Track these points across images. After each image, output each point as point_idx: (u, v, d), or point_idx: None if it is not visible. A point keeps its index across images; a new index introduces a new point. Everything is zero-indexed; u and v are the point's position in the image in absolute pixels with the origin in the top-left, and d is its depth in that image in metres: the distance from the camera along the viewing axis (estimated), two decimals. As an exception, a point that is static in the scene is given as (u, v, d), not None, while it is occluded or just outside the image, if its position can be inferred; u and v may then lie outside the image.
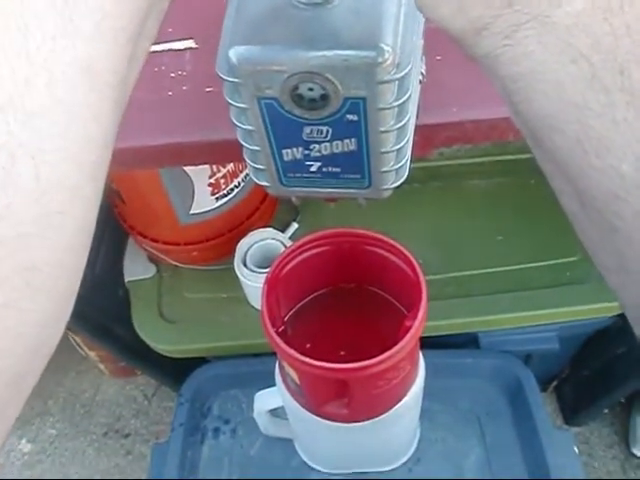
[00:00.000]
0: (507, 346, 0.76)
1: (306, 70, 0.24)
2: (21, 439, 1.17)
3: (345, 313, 0.51)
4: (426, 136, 0.39)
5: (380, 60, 0.23)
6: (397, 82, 0.24)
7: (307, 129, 0.27)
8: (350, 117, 0.26)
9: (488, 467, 0.68)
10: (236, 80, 0.25)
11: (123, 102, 0.21)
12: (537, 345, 0.78)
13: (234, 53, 0.24)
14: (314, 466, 0.68)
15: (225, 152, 0.39)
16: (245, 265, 0.67)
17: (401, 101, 0.25)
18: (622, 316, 0.78)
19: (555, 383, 1.08)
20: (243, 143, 0.29)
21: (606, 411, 1.10)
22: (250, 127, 0.27)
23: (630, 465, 1.06)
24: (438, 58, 0.39)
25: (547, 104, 0.19)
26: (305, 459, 0.68)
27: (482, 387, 0.73)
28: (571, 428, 1.10)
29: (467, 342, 0.77)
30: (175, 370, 0.85)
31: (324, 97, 0.25)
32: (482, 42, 0.19)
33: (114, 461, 1.14)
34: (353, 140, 0.27)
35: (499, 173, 0.83)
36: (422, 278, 0.43)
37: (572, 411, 1.08)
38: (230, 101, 0.26)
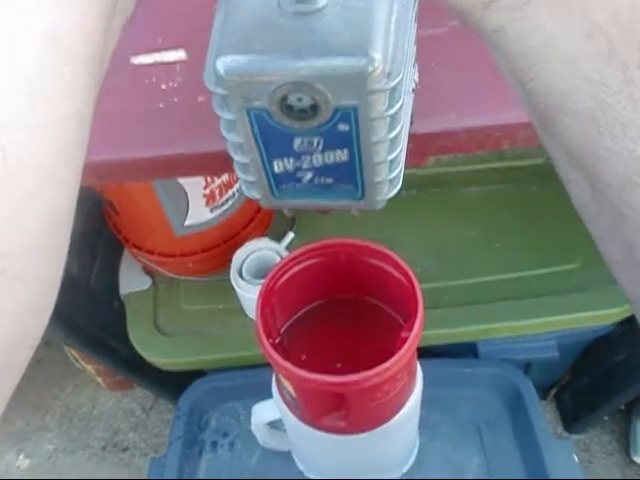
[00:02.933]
0: (506, 355, 0.75)
1: (294, 80, 0.23)
2: (19, 455, 1.16)
3: (341, 324, 0.51)
4: (419, 145, 0.38)
5: (370, 69, 0.22)
6: (389, 91, 0.24)
7: (297, 140, 0.26)
8: (341, 127, 0.25)
9: (488, 477, 0.67)
10: (224, 92, 0.24)
11: (98, 78, 0.20)
12: (537, 353, 0.77)
13: (221, 64, 0.23)
14: (313, 478, 0.67)
15: (218, 163, 0.39)
16: (241, 276, 0.67)
17: (393, 111, 0.25)
18: (622, 323, 0.79)
19: (555, 391, 1.07)
20: (233, 156, 0.28)
21: (606, 418, 1.09)
22: (239, 139, 0.27)
23: (631, 472, 1.06)
24: (432, 65, 0.39)
25: (559, 82, 0.17)
26: (304, 471, 0.67)
27: (481, 396, 0.72)
28: (571, 435, 1.09)
29: (466, 351, 0.76)
30: (173, 383, 0.84)
31: (314, 107, 0.24)
32: (490, 16, 0.18)
33: (113, 476, 1.12)
34: (345, 151, 0.27)
35: (497, 180, 0.83)
36: (418, 289, 0.43)
37: (572, 418, 1.07)
38: (219, 113, 0.26)
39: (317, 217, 0.78)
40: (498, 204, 0.81)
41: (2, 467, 1.14)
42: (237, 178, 0.66)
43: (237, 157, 0.28)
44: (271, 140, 0.26)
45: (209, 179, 0.63)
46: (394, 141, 0.27)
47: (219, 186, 0.64)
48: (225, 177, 0.64)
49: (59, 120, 0.18)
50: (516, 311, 0.73)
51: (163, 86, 0.42)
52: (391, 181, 0.29)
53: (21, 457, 1.16)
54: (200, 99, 0.41)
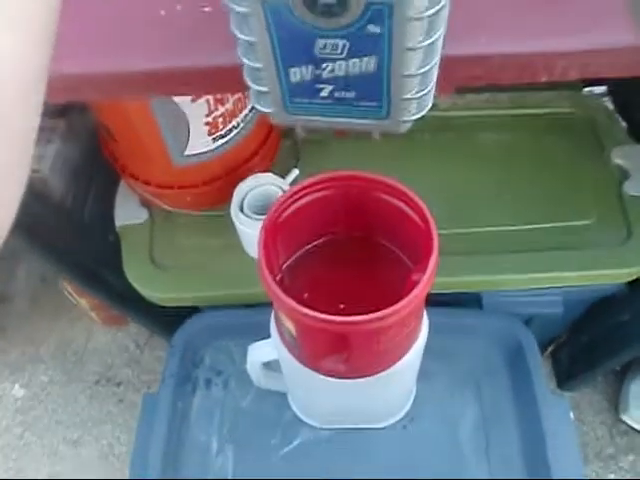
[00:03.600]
0: (511, 307, 0.74)
1: None
2: (14, 384, 1.17)
3: (347, 263, 0.48)
4: (448, 71, 0.34)
5: None
6: (431, -16, 0.21)
7: (320, 43, 0.23)
8: (372, 29, 0.22)
9: (483, 428, 0.66)
10: (238, -25, 0.21)
11: None
12: (541, 308, 0.76)
13: None
14: (306, 420, 0.66)
15: (223, 79, 0.35)
16: (242, 211, 0.64)
17: (434, 10, 0.21)
18: (629, 284, 0.77)
19: (552, 347, 1.07)
20: (244, 59, 0.25)
21: (599, 378, 1.09)
22: (252, 38, 0.23)
23: (617, 431, 1.07)
24: (467, -20, 0.35)
25: None
26: (298, 413, 0.67)
27: (482, 348, 0.71)
28: (563, 393, 1.09)
29: (470, 301, 0.74)
30: (167, 319, 0.83)
31: (342, 1, 0.21)
32: None
33: (106, 409, 1.13)
34: (373, 58, 0.23)
35: (515, 127, 0.79)
36: (434, 228, 0.40)
37: (566, 376, 1.07)
38: (230, 4, 0.22)
39: (324, 155, 0.75)
40: (513, 153, 0.78)
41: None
42: (243, 107, 0.62)
43: (248, 61, 0.25)
44: (289, 41, 0.23)
45: (212, 106, 0.59)
46: (430, 50, 0.23)
47: (223, 115, 0.60)
48: (229, 105, 0.60)
49: None
50: (523, 264, 0.70)
51: (166, -10, 0.38)
52: (420, 100, 0.26)
53: (16, 386, 1.16)
54: (206, 9, 0.37)
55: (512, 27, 0.34)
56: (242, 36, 0.24)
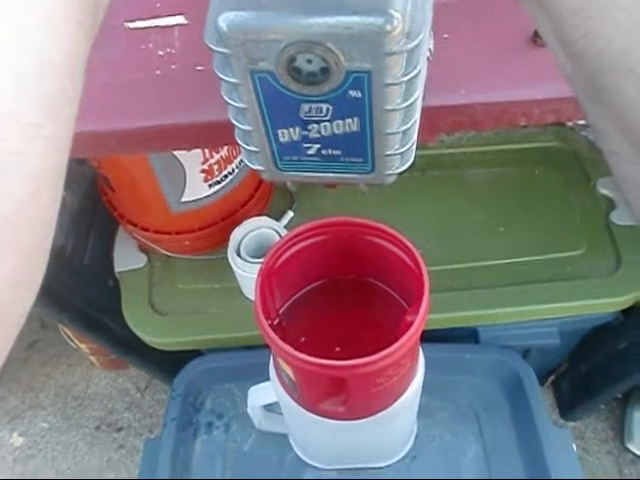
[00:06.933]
0: (507, 341, 0.74)
1: (305, 39, 0.21)
2: (13, 433, 1.15)
3: (342, 306, 0.49)
4: (431, 120, 0.36)
5: (388, 28, 0.21)
6: (406, 54, 0.22)
7: (305, 107, 0.24)
8: (353, 93, 0.23)
9: (486, 464, 0.66)
10: (226, 51, 0.22)
11: (89, 30, 0.18)
12: (538, 340, 0.76)
13: (224, 20, 0.21)
14: (309, 461, 0.66)
15: (217, 135, 0.37)
16: (239, 255, 0.65)
17: (410, 76, 0.23)
18: (624, 312, 0.78)
19: (552, 378, 1.07)
20: (235, 123, 0.27)
21: (602, 406, 1.09)
22: (242, 105, 0.25)
23: (624, 460, 1.06)
24: (445, 36, 0.37)
25: (617, 37, 0.15)
26: (300, 454, 0.66)
27: (481, 382, 0.71)
28: (567, 423, 1.09)
29: (466, 336, 0.75)
30: (168, 363, 0.83)
31: (324, 71, 0.22)
32: None
33: (107, 455, 1.12)
34: (356, 120, 0.25)
35: (502, 163, 0.81)
36: (424, 271, 0.41)
37: (568, 406, 1.07)
38: (220, 75, 0.24)
39: (317, 196, 0.76)
40: (503, 187, 0.80)
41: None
42: (237, 154, 0.64)
43: (239, 124, 0.26)
44: (276, 106, 0.25)
45: (207, 154, 0.60)
46: (408, 110, 0.25)
47: (218, 161, 0.62)
48: (224, 152, 0.62)
49: (46, 70, 0.16)
50: (518, 297, 0.71)
51: (160, 52, 0.40)
52: (403, 154, 0.27)
53: (15, 435, 1.15)
54: (199, 67, 0.39)
55: (489, 79, 0.36)
56: (232, 102, 0.25)
